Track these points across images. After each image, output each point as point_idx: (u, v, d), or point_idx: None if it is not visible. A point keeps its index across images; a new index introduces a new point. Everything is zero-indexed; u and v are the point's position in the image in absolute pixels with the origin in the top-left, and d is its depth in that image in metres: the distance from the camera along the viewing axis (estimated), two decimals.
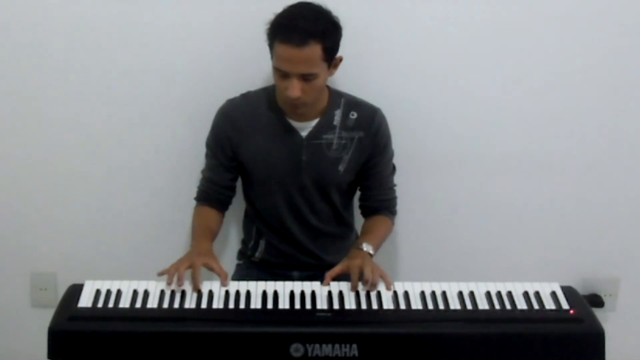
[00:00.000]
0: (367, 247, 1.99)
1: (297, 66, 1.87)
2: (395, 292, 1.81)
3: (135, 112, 2.29)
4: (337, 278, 1.86)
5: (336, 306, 1.77)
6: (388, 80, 2.26)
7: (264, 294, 1.79)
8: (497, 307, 1.78)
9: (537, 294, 1.82)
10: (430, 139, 2.33)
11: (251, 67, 2.19)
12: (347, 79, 2.17)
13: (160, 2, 2.18)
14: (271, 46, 1.92)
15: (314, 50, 1.85)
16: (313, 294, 1.80)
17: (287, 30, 1.85)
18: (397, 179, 2.20)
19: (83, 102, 2.27)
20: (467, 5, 2.20)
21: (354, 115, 2.07)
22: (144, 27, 2.20)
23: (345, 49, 1.97)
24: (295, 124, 2.05)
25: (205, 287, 1.80)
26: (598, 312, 1.91)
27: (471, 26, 2.22)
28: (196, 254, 1.89)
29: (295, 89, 1.89)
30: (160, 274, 1.82)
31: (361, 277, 1.84)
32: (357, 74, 2.19)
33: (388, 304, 1.78)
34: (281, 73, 1.90)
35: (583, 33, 2.24)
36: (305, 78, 1.89)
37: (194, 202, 2.17)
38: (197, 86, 2.25)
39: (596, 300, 2.47)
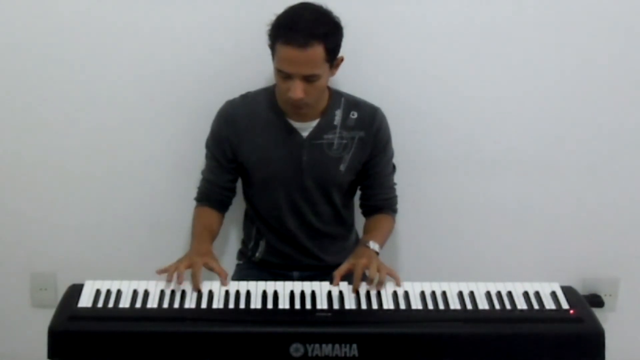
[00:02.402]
0: (373, 245, 1.99)
1: (299, 67, 1.86)
2: (395, 292, 1.81)
3: (136, 112, 2.29)
4: (343, 276, 1.86)
5: (336, 306, 1.77)
6: (388, 80, 2.26)
7: (264, 294, 1.79)
8: (497, 307, 1.78)
9: (537, 294, 1.82)
10: (430, 138, 2.33)
11: (251, 68, 2.19)
12: (347, 78, 2.17)
13: (160, 2, 2.18)
14: (273, 47, 1.91)
15: (317, 51, 1.85)
16: (313, 294, 1.79)
17: (289, 31, 1.85)
18: (397, 178, 2.21)
19: (83, 103, 2.27)
20: (468, 6, 2.20)
21: (354, 115, 2.07)
22: (145, 28, 2.20)
23: (345, 48, 1.97)
24: (296, 124, 2.05)
25: (205, 287, 1.80)
26: (598, 312, 1.91)
27: (471, 26, 2.22)
28: (196, 254, 1.89)
29: (297, 90, 1.89)
30: (160, 272, 1.82)
31: (364, 278, 1.83)
32: (357, 73, 2.19)
33: (388, 304, 1.78)
34: (283, 74, 1.90)
35: (583, 34, 2.24)
36: (308, 79, 1.89)
37: (194, 203, 2.17)
38: (198, 87, 2.25)
39: (596, 300, 2.47)
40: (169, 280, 1.79)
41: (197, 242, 2.00)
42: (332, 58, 1.92)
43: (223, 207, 2.15)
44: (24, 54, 2.22)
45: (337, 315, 1.74)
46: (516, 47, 2.25)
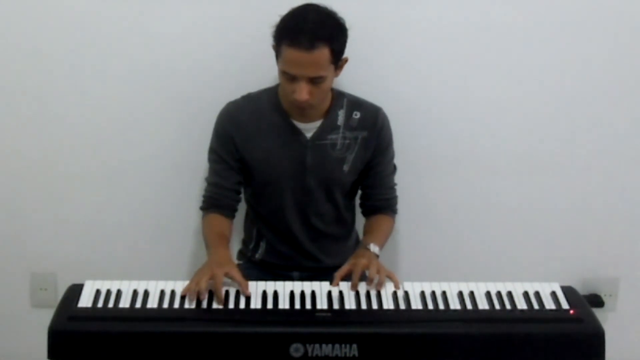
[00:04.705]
0: (374, 248, 1.99)
1: (305, 70, 1.86)
2: (395, 292, 1.81)
3: (136, 113, 2.29)
4: (344, 277, 1.86)
5: (336, 306, 1.77)
6: (389, 80, 2.26)
7: (264, 294, 1.79)
8: (497, 307, 1.78)
9: (537, 294, 1.82)
10: (431, 139, 2.33)
11: (253, 69, 2.19)
12: (349, 79, 2.17)
13: (162, 3, 2.18)
14: (277, 49, 1.90)
15: (323, 53, 1.85)
16: (313, 294, 1.79)
17: (294, 33, 1.84)
18: (398, 179, 2.21)
19: (84, 103, 2.27)
20: (469, 6, 2.20)
21: (357, 115, 2.07)
22: (146, 28, 2.20)
23: (347, 49, 1.96)
24: (300, 125, 2.04)
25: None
26: (598, 312, 1.91)
27: (472, 27, 2.23)
28: (216, 264, 1.83)
29: (303, 92, 1.88)
30: (184, 292, 1.77)
31: (364, 278, 1.83)
32: (358, 74, 2.19)
33: (388, 304, 1.78)
34: (289, 76, 1.89)
35: (583, 33, 2.24)
36: (313, 81, 1.88)
37: (195, 202, 2.17)
38: (199, 87, 2.25)
39: (596, 300, 2.47)
40: (192, 300, 1.75)
41: (214, 249, 1.94)
42: (337, 59, 1.92)
43: (231, 212, 2.10)
44: (24, 54, 2.22)
45: (337, 315, 1.74)
46: (517, 48, 2.25)
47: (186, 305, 1.75)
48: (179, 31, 2.21)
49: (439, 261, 2.44)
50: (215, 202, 2.09)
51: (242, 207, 2.24)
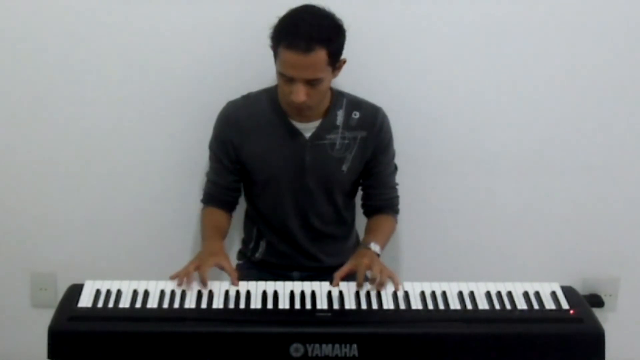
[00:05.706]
0: (374, 247, 1.99)
1: (302, 72, 1.86)
2: (395, 292, 1.81)
3: (136, 112, 2.29)
4: (344, 278, 1.86)
5: (336, 306, 1.77)
6: (389, 80, 2.26)
7: (264, 294, 1.79)
8: (497, 307, 1.78)
9: (537, 294, 1.82)
10: (431, 139, 2.33)
11: (253, 69, 2.19)
12: (348, 79, 2.17)
13: (162, 3, 2.18)
14: (275, 51, 1.91)
15: (320, 55, 1.85)
16: (313, 294, 1.80)
17: (292, 36, 1.84)
18: (399, 179, 2.21)
19: (84, 103, 2.27)
20: (468, 6, 2.20)
21: (356, 114, 2.07)
22: (146, 28, 2.20)
23: (346, 49, 1.96)
24: (298, 125, 2.04)
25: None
26: (598, 312, 1.92)
27: (472, 27, 2.22)
28: (207, 254, 1.89)
29: (300, 93, 1.89)
30: (173, 277, 1.81)
31: (366, 278, 1.83)
32: (358, 74, 2.19)
33: (388, 304, 1.78)
34: (286, 78, 1.89)
35: (582, 33, 2.24)
36: (311, 83, 1.89)
37: (195, 203, 2.17)
38: (199, 87, 2.25)
39: (596, 300, 2.47)
40: (179, 285, 1.79)
41: (208, 241, 2.00)
42: (335, 61, 1.92)
43: (230, 207, 2.15)
44: (24, 54, 2.22)
45: (337, 315, 1.74)
46: (517, 48, 2.25)
47: (186, 305, 1.75)
48: (179, 31, 2.21)
49: (439, 261, 2.44)
50: (214, 197, 2.13)
51: (242, 207, 2.24)
